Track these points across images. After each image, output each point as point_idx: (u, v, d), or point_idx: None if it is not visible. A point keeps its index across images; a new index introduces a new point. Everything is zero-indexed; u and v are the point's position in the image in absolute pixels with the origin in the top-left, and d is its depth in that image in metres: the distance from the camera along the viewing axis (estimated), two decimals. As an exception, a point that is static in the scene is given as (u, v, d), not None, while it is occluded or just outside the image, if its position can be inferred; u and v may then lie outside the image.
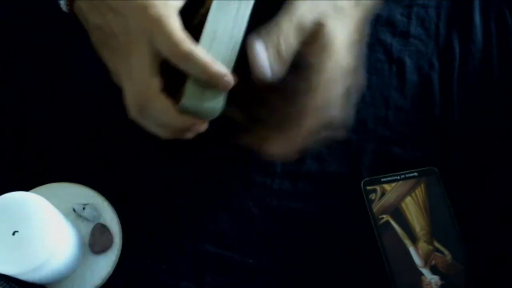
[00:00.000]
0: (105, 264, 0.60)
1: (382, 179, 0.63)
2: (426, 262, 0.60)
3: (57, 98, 0.66)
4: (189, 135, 0.56)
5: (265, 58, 0.53)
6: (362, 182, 0.63)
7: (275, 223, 0.62)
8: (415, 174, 0.63)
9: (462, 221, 0.61)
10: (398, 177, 0.63)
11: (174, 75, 0.54)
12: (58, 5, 0.60)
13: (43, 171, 0.63)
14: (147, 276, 0.60)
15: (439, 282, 0.59)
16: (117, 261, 0.60)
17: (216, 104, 0.54)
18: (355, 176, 0.64)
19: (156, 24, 0.52)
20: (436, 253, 0.60)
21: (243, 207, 0.63)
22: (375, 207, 0.62)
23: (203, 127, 0.55)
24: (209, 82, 0.52)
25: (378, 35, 0.70)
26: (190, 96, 0.53)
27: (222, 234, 0.62)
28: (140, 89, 0.54)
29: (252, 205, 0.63)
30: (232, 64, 0.54)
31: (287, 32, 0.53)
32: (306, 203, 0.63)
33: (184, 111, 0.53)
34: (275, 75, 0.53)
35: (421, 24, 0.70)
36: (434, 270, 0.60)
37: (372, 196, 0.62)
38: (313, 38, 0.55)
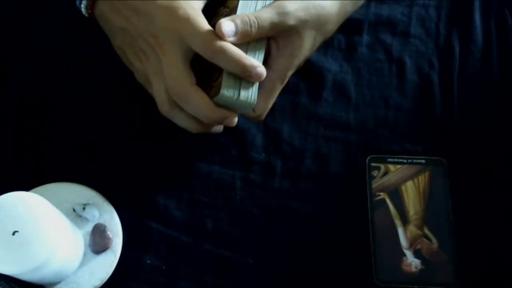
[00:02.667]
0: (105, 264, 0.59)
1: (389, 159, 0.64)
2: (411, 245, 0.61)
3: (57, 98, 0.66)
4: (219, 128, 0.61)
5: (230, 26, 0.55)
6: (368, 158, 0.64)
7: (275, 223, 0.62)
8: (423, 161, 0.64)
9: (459, 216, 0.62)
10: (405, 161, 0.64)
11: (203, 72, 0.58)
12: (62, 6, 0.60)
13: (43, 171, 0.63)
14: (147, 276, 0.60)
15: (419, 266, 0.60)
16: (117, 261, 0.60)
17: (251, 95, 0.57)
18: (355, 176, 0.64)
19: (186, 24, 0.55)
20: (424, 239, 0.61)
21: (243, 207, 0.63)
22: (375, 184, 0.63)
23: (235, 120, 0.60)
24: (243, 74, 0.55)
25: (378, 35, 0.70)
26: (227, 88, 0.56)
27: (222, 234, 0.62)
28: (176, 84, 0.57)
29: (252, 205, 0.63)
30: (262, 57, 0.57)
31: (265, 19, 0.56)
32: (306, 203, 0.63)
33: (221, 104, 0.57)
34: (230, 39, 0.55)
35: (421, 24, 0.70)
36: (417, 254, 0.60)
37: (375, 173, 0.63)
38: (281, 37, 0.58)
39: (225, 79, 0.56)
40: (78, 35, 0.67)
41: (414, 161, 0.64)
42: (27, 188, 0.59)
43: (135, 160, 0.64)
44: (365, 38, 0.70)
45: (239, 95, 0.56)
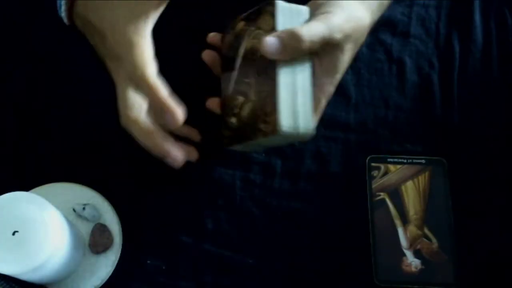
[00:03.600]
0: (105, 264, 0.60)
1: (389, 159, 0.64)
2: (411, 245, 0.61)
3: (57, 99, 0.66)
4: (171, 162, 0.57)
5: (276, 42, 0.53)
6: (368, 158, 0.64)
7: (275, 223, 0.62)
8: (423, 161, 0.64)
9: (459, 216, 0.62)
10: (405, 161, 0.64)
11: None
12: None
13: (43, 171, 0.63)
14: (147, 276, 0.60)
15: (419, 266, 0.60)
16: (117, 261, 0.60)
17: (310, 124, 0.54)
18: (355, 176, 0.64)
19: (125, 49, 0.53)
20: (424, 239, 0.61)
21: (243, 207, 0.63)
22: (375, 184, 0.63)
23: (178, 160, 0.56)
24: (161, 113, 0.53)
25: (378, 35, 0.70)
26: (286, 123, 0.52)
27: (222, 234, 0.62)
28: (121, 115, 0.55)
29: (252, 205, 0.63)
30: (309, 74, 0.55)
31: (315, 34, 0.53)
32: (306, 203, 0.63)
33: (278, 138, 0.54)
34: (275, 54, 0.53)
35: (421, 24, 0.70)
36: (417, 254, 0.60)
37: (375, 173, 0.63)
38: (324, 52, 0.55)
39: (282, 113, 0.52)
40: (78, 35, 0.67)
41: (414, 161, 0.64)
42: (27, 188, 0.59)
43: (135, 160, 0.64)
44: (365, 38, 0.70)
45: (298, 127, 0.53)
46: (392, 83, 0.68)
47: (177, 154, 0.56)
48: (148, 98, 0.54)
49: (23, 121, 0.65)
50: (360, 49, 0.69)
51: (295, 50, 0.53)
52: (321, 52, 0.56)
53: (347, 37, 0.55)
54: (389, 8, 0.71)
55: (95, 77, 0.67)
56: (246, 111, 0.56)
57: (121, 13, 0.53)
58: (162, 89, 0.53)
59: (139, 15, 0.53)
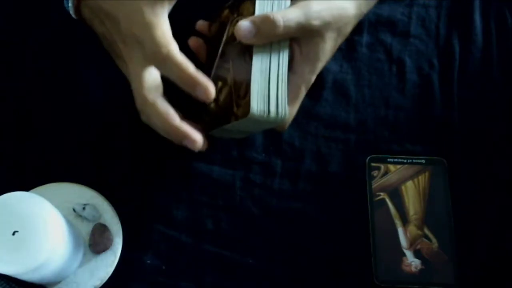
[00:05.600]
0: (105, 264, 0.59)
1: (389, 159, 0.64)
2: (411, 245, 0.61)
3: (57, 99, 0.66)
4: (190, 145, 0.56)
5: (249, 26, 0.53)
6: (368, 158, 0.64)
7: (275, 223, 0.62)
8: (423, 161, 0.64)
9: (459, 216, 0.62)
10: (405, 161, 0.64)
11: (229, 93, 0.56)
12: (63, 9, 0.60)
13: (43, 171, 0.63)
14: (147, 276, 0.60)
15: (419, 266, 0.60)
16: (117, 261, 0.60)
17: (282, 109, 0.54)
18: (355, 176, 0.64)
19: (144, 30, 0.53)
20: (424, 239, 0.61)
21: (243, 207, 0.63)
22: (375, 184, 0.63)
23: (197, 144, 0.56)
24: (188, 88, 0.53)
25: (378, 35, 0.70)
26: (256, 106, 0.53)
27: (222, 234, 0.62)
28: (135, 94, 0.55)
29: (252, 205, 0.63)
30: (287, 60, 0.55)
31: (291, 18, 0.54)
32: (306, 203, 0.63)
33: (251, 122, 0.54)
34: (249, 39, 0.54)
35: (421, 24, 0.70)
36: (417, 254, 0.60)
37: (375, 173, 0.63)
38: (304, 40, 0.56)
39: (253, 97, 0.53)
40: (83, 35, 0.67)
41: (414, 161, 0.64)
42: (27, 188, 0.59)
43: (135, 160, 0.64)
44: (365, 38, 0.70)
45: (269, 112, 0.53)
46: (392, 83, 0.68)
47: (196, 135, 0.55)
48: (174, 76, 0.53)
49: (23, 121, 0.65)
50: (360, 49, 0.69)
51: (269, 35, 0.54)
52: (301, 40, 0.56)
53: (326, 25, 0.56)
54: (389, 8, 0.71)
55: (96, 77, 0.67)
56: (223, 95, 0.57)
57: None
58: (190, 65, 0.53)
59: None
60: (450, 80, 0.68)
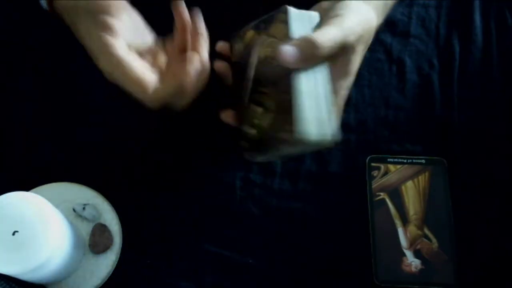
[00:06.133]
0: (105, 264, 0.60)
1: (389, 159, 0.64)
2: (411, 245, 0.61)
3: (57, 99, 0.66)
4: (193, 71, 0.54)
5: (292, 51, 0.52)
6: (368, 158, 0.64)
7: (275, 223, 0.62)
8: (423, 161, 0.64)
9: (459, 216, 0.62)
10: (405, 161, 0.64)
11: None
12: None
13: (43, 171, 0.63)
14: (147, 276, 0.60)
15: (419, 266, 0.60)
16: (117, 261, 0.60)
17: (333, 127, 0.52)
18: (355, 176, 0.64)
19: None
20: (424, 239, 0.61)
21: (243, 207, 0.63)
22: (375, 184, 0.63)
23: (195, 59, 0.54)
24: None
25: (378, 35, 0.70)
26: (306, 126, 0.51)
27: (222, 234, 0.62)
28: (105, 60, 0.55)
29: (252, 205, 0.63)
30: (326, 77, 0.54)
31: (329, 39, 0.52)
32: (306, 203, 0.63)
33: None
34: (292, 64, 0.52)
35: (421, 24, 0.70)
36: (417, 254, 0.60)
37: (375, 173, 0.63)
38: (338, 55, 0.54)
39: (305, 121, 0.50)
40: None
41: (414, 161, 0.64)
42: (27, 188, 0.59)
43: (135, 160, 0.64)
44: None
45: (324, 135, 0.51)
46: (392, 83, 0.68)
47: (194, 58, 0.54)
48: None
49: (24, 121, 0.65)
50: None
51: (313, 57, 0.52)
52: (336, 56, 0.54)
53: (359, 39, 0.54)
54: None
55: (96, 77, 0.67)
56: (266, 121, 0.55)
57: None
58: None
59: None
60: (450, 80, 0.68)
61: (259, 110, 0.56)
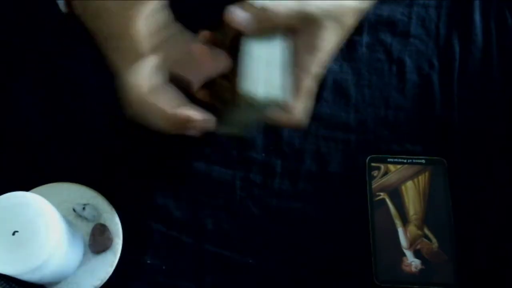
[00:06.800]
0: (105, 264, 0.59)
1: (389, 159, 0.64)
2: (411, 245, 0.61)
3: (57, 99, 0.66)
4: (192, 131, 0.55)
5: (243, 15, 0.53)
6: (368, 158, 0.64)
7: (275, 223, 0.62)
8: (423, 161, 0.64)
9: (459, 216, 0.62)
10: (405, 161, 0.64)
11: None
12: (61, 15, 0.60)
13: (43, 171, 0.63)
14: (147, 276, 0.60)
15: (419, 266, 0.60)
16: (117, 261, 0.60)
17: (275, 89, 0.52)
18: (355, 176, 0.64)
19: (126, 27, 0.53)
20: (424, 239, 0.61)
21: (243, 207, 0.63)
22: (375, 184, 0.63)
23: (199, 122, 0.54)
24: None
25: (378, 35, 0.70)
26: (245, 86, 0.52)
27: (222, 234, 0.62)
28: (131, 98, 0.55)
29: (252, 205, 0.63)
30: (281, 48, 0.54)
31: (287, 5, 0.53)
32: (306, 203, 0.63)
33: (246, 107, 0.53)
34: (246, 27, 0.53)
35: (421, 24, 0.70)
36: (417, 254, 0.60)
37: (375, 173, 0.63)
38: (302, 31, 0.55)
39: (243, 79, 0.52)
40: (83, 35, 0.67)
41: (414, 161, 0.64)
42: (27, 188, 0.59)
43: (135, 160, 0.64)
44: (365, 38, 0.70)
45: (256, 92, 0.52)
46: (392, 83, 0.68)
47: (196, 115, 0.54)
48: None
49: (24, 121, 0.65)
50: (360, 49, 0.69)
51: (266, 24, 0.53)
52: (300, 30, 0.55)
53: (326, 14, 0.54)
54: (389, 8, 0.71)
55: (95, 77, 0.67)
56: (227, 92, 0.56)
57: None
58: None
59: None
60: (450, 80, 0.68)
61: (225, 83, 0.56)
